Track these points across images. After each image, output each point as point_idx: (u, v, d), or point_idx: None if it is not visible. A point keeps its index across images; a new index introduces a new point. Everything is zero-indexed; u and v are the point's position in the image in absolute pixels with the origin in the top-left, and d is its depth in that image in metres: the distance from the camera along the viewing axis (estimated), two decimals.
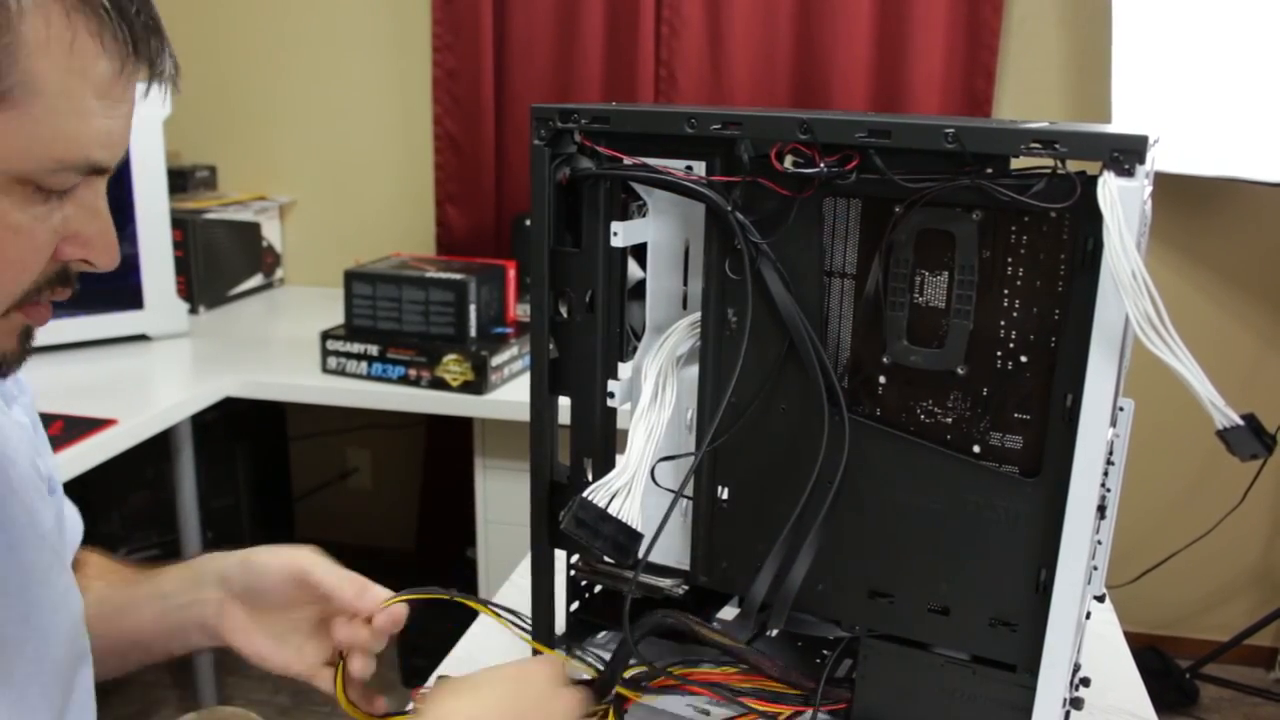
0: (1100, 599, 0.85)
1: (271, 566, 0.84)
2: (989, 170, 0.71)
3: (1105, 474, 0.72)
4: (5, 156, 0.53)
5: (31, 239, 0.57)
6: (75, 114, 0.54)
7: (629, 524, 0.78)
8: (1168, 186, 2.12)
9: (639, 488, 0.80)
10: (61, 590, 0.76)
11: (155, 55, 0.58)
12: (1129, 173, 0.65)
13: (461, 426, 2.19)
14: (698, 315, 0.85)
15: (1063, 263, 0.71)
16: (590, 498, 0.78)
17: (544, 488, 0.92)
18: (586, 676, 0.88)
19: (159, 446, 1.96)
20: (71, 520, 0.87)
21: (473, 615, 1.13)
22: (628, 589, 0.91)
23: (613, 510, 0.78)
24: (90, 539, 0.91)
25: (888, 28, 2.26)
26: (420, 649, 2.27)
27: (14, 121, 0.52)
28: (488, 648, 1.05)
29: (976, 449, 0.76)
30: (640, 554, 0.79)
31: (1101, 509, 0.74)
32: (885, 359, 0.78)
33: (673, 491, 0.89)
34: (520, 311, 2.09)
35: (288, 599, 0.84)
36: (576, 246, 0.86)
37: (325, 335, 1.98)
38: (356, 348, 1.95)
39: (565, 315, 0.87)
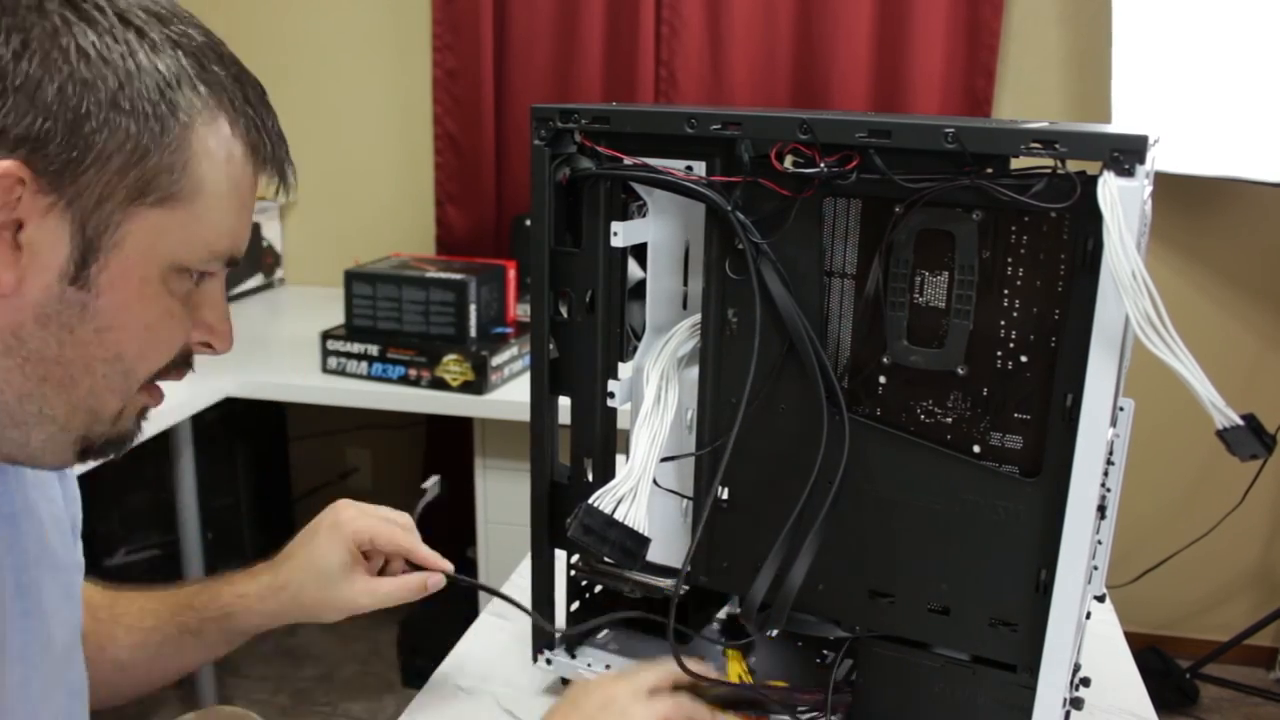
0: (1100, 599, 0.85)
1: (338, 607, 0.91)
2: (989, 170, 0.71)
3: (1105, 474, 0.72)
4: (173, 249, 0.61)
5: (180, 323, 0.65)
6: (228, 212, 0.63)
7: (635, 529, 0.78)
8: (1168, 186, 2.11)
9: (644, 493, 0.80)
10: (56, 658, 0.78)
11: (284, 164, 0.67)
12: (1129, 173, 0.65)
13: (461, 426, 2.19)
14: (698, 317, 0.85)
15: (1063, 263, 0.71)
16: (596, 503, 0.78)
17: (544, 488, 0.92)
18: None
19: (159, 446, 1.96)
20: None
21: (472, 616, 1.13)
22: (629, 589, 0.91)
23: (619, 516, 0.78)
24: (90, 539, 0.90)
25: (888, 28, 2.26)
26: (421, 650, 2.27)
27: (182, 218, 0.61)
28: (489, 646, 1.05)
29: (976, 449, 0.76)
30: (646, 556, 0.79)
31: (1101, 509, 0.74)
32: (885, 359, 0.78)
33: (674, 492, 0.89)
34: (520, 311, 2.09)
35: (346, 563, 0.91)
36: (576, 246, 0.86)
37: (325, 335, 1.98)
38: (356, 348, 1.95)
39: (565, 315, 0.87)
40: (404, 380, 1.93)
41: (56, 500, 0.79)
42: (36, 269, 0.58)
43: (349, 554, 0.90)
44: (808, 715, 0.85)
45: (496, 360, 1.92)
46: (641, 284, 0.89)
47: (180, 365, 0.67)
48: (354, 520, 0.91)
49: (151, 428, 1.69)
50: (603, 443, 0.89)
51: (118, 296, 0.60)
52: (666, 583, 0.90)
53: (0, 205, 0.55)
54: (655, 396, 0.84)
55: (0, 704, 0.69)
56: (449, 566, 0.95)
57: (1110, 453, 0.74)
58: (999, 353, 0.74)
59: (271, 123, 0.66)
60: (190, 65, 0.60)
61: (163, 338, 0.64)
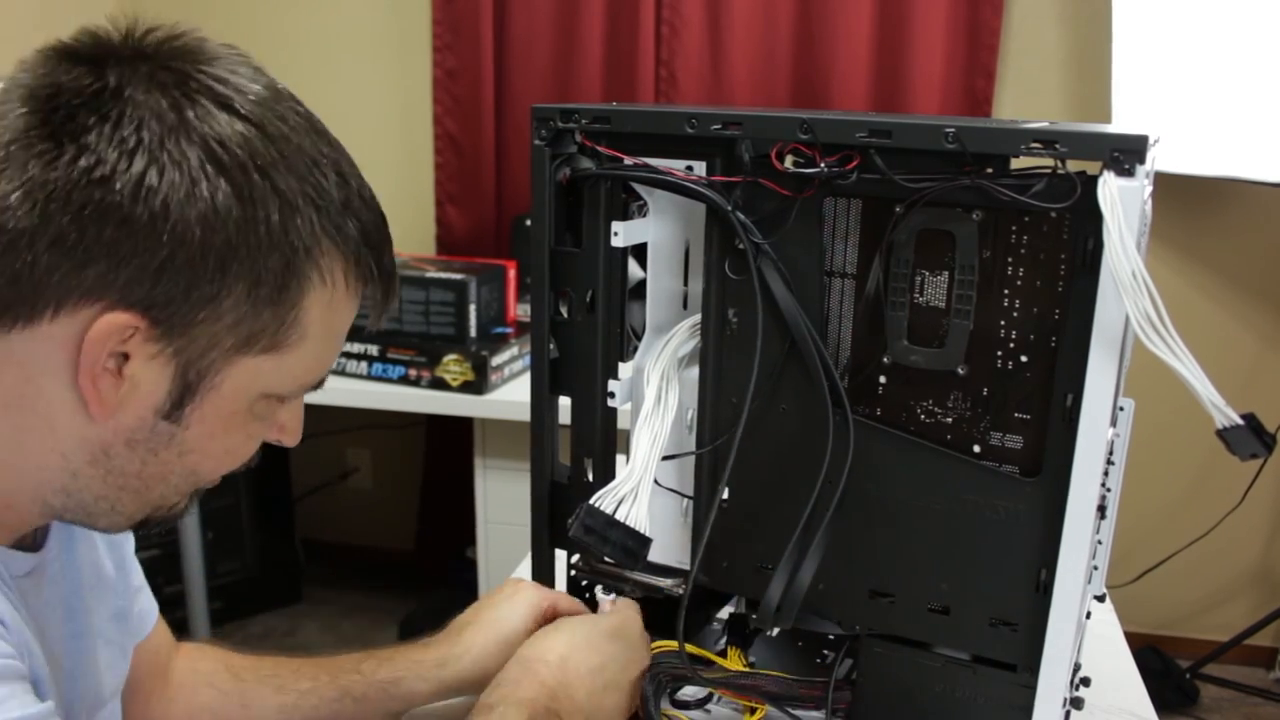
0: (1100, 599, 0.85)
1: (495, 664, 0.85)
2: (989, 170, 0.71)
3: (1105, 474, 0.72)
4: (267, 385, 0.62)
5: (257, 441, 0.67)
6: (325, 351, 0.64)
7: (636, 529, 0.78)
8: (1168, 186, 2.12)
9: (645, 493, 0.80)
10: (129, 639, 0.80)
11: (388, 302, 0.67)
12: (1129, 173, 0.65)
13: (461, 426, 2.19)
14: (698, 317, 0.85)
15: (1063, 263, 0.71)
16: (597, 504, 0.78)
17: (544, 488, 0.92)
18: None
19: None
20: (149, 599, 0.88)
21: None
22: (629, 589, 0.91)
23: (620, 516, 0.78)
24: None
25: (888, 28, 2.26)
26: None
27: (282, 361, 0.62)
28: None
29: (977, 449, 0.76)
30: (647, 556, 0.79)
31: (1101, 509, 0.74)
32: (886, 359, 0.78)
33: (674, 491, 0.89)
34: (520, 311, 2.09)
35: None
36: (577, 246, 0.86)
37: None
38: (356, 348, 1.95)
39: (565, 315, 0.87)
40: (404, 380, 1.93)
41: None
42: (134, 401, 0.59)
43: (532, 620, 0.88)
44: (809, 714, 0.85)
45: (496, 360, 1.92)
46: (642, 284, 0.89)
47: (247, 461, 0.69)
48: (535, 588, 0.91)
49: None
50: (603, 443, 0.89)
51: (206, 428, 0.62)
52: (667, 582, 0.90)
53: (112, 345, 0.56)
54: (656, 397, 0.84)
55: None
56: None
57: (1110, 453, 0.74)
58: (999, 353, 0.74)
59: (387, 260, 0.65)
60: (323, 225, 0.60)
61: (240, 455, 0.66)
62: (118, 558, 0.79)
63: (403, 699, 0.87)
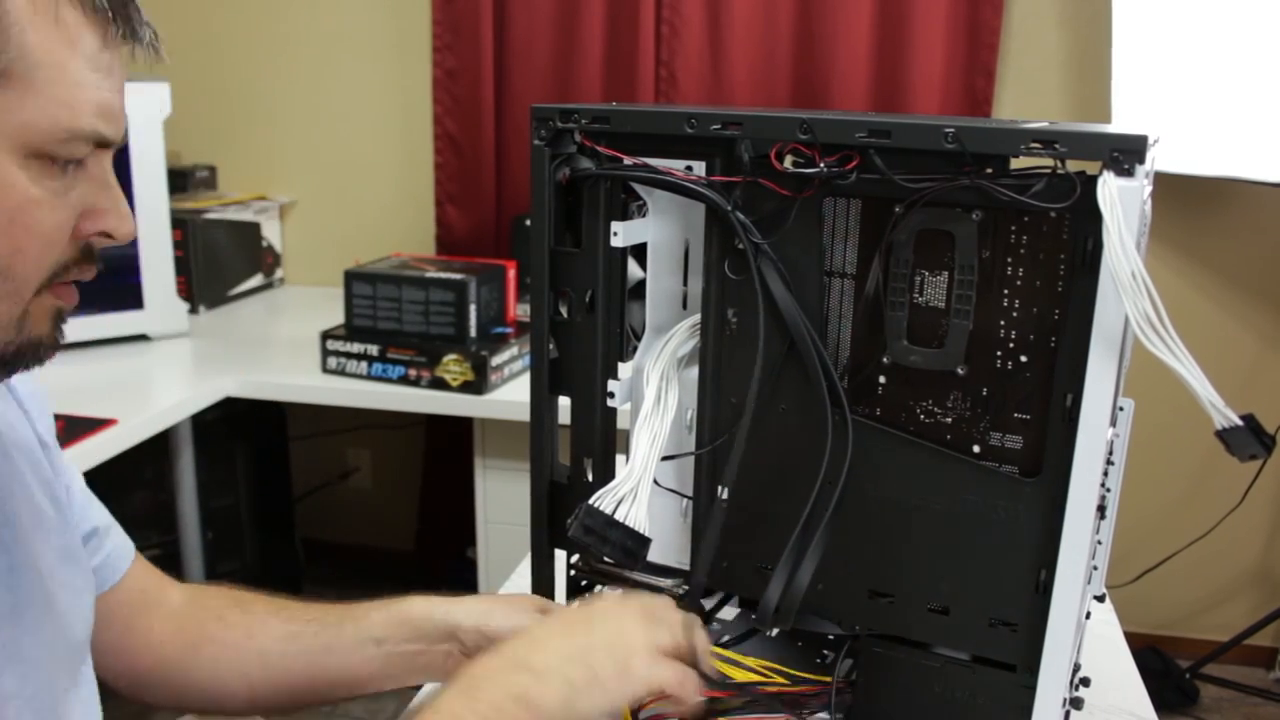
0: (1100, 599, 0.85)
1: (511, 626, 0.83)
2: (989, 170, 0.71)
3: (1105, 474, 0.72)
4: (17, 131, 0.55)
5: (53, 212, 0.59)
6: (73, 84, 0.56)
7: (636, 529, 0.78)
8: (1168, 186, 2.11)
9: (644, 493, 0.80)
10: (57, 614, 0.75)
11: (135, 23, 0.60)
12: (1129, 173, 0.65)
13: (461, 426, 2.19)
14: (698, 317, 0.85)
15: (1062, 263, 0.71)
16: (596, 504, 0.78)
17: (544, 488, 0.92)
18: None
19: (159, 446, 1.96)
20: (118, 546, 0.87)
21: None
22: (629, 589, 0.91)
23: (619, 516, 0.78)
24: None
25: (888, 28, 2.26)
26: None
27: (17, 96, 0.55)
28: None
29: (976, 449, 0.76)
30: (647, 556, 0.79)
31: (1101, 509, 0.74)
32: (885, 359, 0.78)
33: (674, 491, 0.89)
34: (520, 311, 2.09)
35: None
36: (576, 246, 0.86)
37: (325, 335, 1.98)
38: (356, 348, 1.95)
39: (565, 315, 0.87)
40: (404, 380, 1.93)
41: (21, 428, 0.76)
42: None
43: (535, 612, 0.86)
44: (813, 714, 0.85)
45: (496, 360, 1.92)
46: (641, 284, 0.89)
47: (83, 261, 0.62)
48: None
49: (151, 427, 1.71)
50: (603, 443, 0.90)
51: None
52: (667, 582, 0.90)
53: None
54: (655, 397, 0.84)
55: None
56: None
57: (1110, 453, 0.74)
58: (999, 353, 0.74)
59: None
60: None
61: (35, 230, 0.58)
62: (52, 495, 0.77)
63: (395, 619, 0.85)
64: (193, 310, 2.29)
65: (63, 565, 0.76)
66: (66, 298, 0.63)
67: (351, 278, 1.99)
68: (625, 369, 0.89)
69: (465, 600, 0.88)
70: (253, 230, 2.57)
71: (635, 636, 0.72)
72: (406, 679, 0.87)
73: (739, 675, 0.85)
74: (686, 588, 0.89)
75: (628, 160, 0.82)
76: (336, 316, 2.04)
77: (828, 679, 0.85)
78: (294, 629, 0.86)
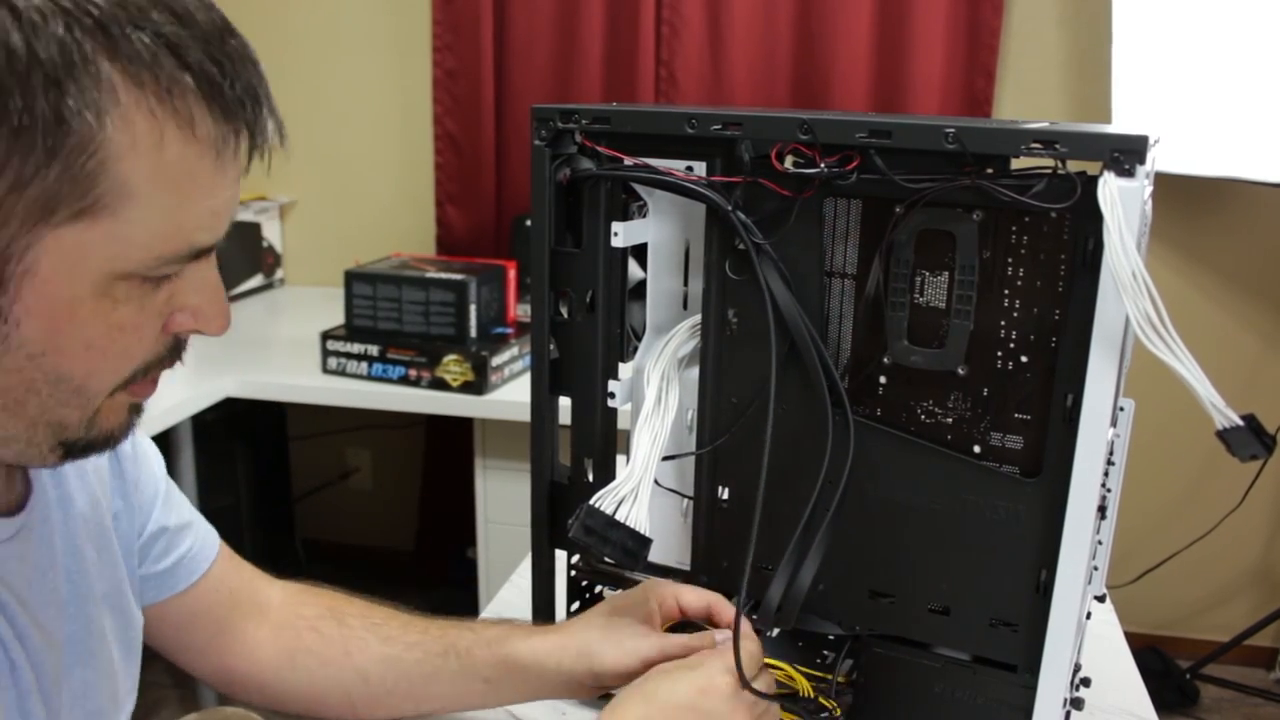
0: (1100, 599, 0.85)
1: (618, 659, 0.80)
2: (989, 170, 0.71)
3: (1105, 474, 0.72)
4: (103, 262, 0.52)
5: (136, 331, 0.56)
6: (172, 208, 0.52)
7: (637, 529, 0.78)
8: (1168, 186, 2.11)
9: (645, 493, 0.80)
10: (104, 642, 0.74)
11: (254, 126, 0.55)
12: (1129, 173, 0.65)
13: (461, 426, 2.19)
14: (698, 317, 0.85)
15: (1063, 263, 0.71)
16: (597, 504, 0.78)
17: (544, 488, 0.92)
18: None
19: (159, 446, 1.95)
20: (201, 539, 0.86)
21: (472, 616, 1.12)
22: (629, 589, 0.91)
23: (620, 516, 0.78)
24: None
25: (888, 28, 2.26)
26: None
27: (108, 228, 0.51)
28: None
29: (977, 449, 0.76)
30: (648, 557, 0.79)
31: (1101, 509, 0.74)
32: (886, 359, 0.78)
33: (675, 491, 0.89)
34: (520, 311, 2.09)
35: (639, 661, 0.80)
36: (577, 246, 0.86)
37: (325, 335, 1.98)
38: (356, 348, 1.95)
39: (565, 315, 0.87)
40: (404, 380, 1.93)
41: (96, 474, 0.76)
42: None
43: (653, 647, 0.80)
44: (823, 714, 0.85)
45: (496, 360, 1.92)
46: (642, 284, 0.89)
47: (168, 358, 0.59)
48: (665, 595, 0.82)
49: (151, 428, 1.71)
50: (603, 443, 0.89)
51: (42, 323, 0.52)
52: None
53: None
54: (656, 397, 0.84)
55: (59, 683, 0.68)
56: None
57: (1110, 453, 0.74)
58: (999, 353, 0.74)
59: (230, 77, 0.53)
60: (90, 42, 0.48)
61: (114, 352, 0.55)
62: (127, 550, 0.77)
63: (503, 663, 0.82)
64: None
65: (112, 589, 0.75)
66: (143, 393, 0.60)
67: (351, 278, 1.99)
68: (626, 369, 0.89)
69: (571, 633, 0.82)
70: (253, 230, 2.57)
71: (714, 692, 0.72)
72: (518, 701, 0.86)
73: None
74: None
75: (628, 160, 0.82)
76: (336, 317, 2.04)
77: (827, 676, 0.85)
78: (393, 653, 0.84)
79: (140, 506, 0.80)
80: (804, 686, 0.83)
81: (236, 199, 0.57)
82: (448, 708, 0.85)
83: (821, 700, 0.83)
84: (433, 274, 1.98)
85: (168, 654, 0.85)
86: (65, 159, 0.48)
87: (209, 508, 2.26)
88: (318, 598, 0.90)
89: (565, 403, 0.90)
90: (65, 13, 0.47)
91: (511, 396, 1.92)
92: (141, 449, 0.82)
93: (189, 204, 0.53)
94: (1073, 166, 0.69)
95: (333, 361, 1.97)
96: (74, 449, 0.59)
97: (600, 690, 0.83)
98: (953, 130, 0.69)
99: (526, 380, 0.91)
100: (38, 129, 0.47)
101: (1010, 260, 0.73)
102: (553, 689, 0.83)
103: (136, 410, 0.61)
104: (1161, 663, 2.40)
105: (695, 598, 0.83)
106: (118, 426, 0.60)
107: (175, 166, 0.51)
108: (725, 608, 0.82)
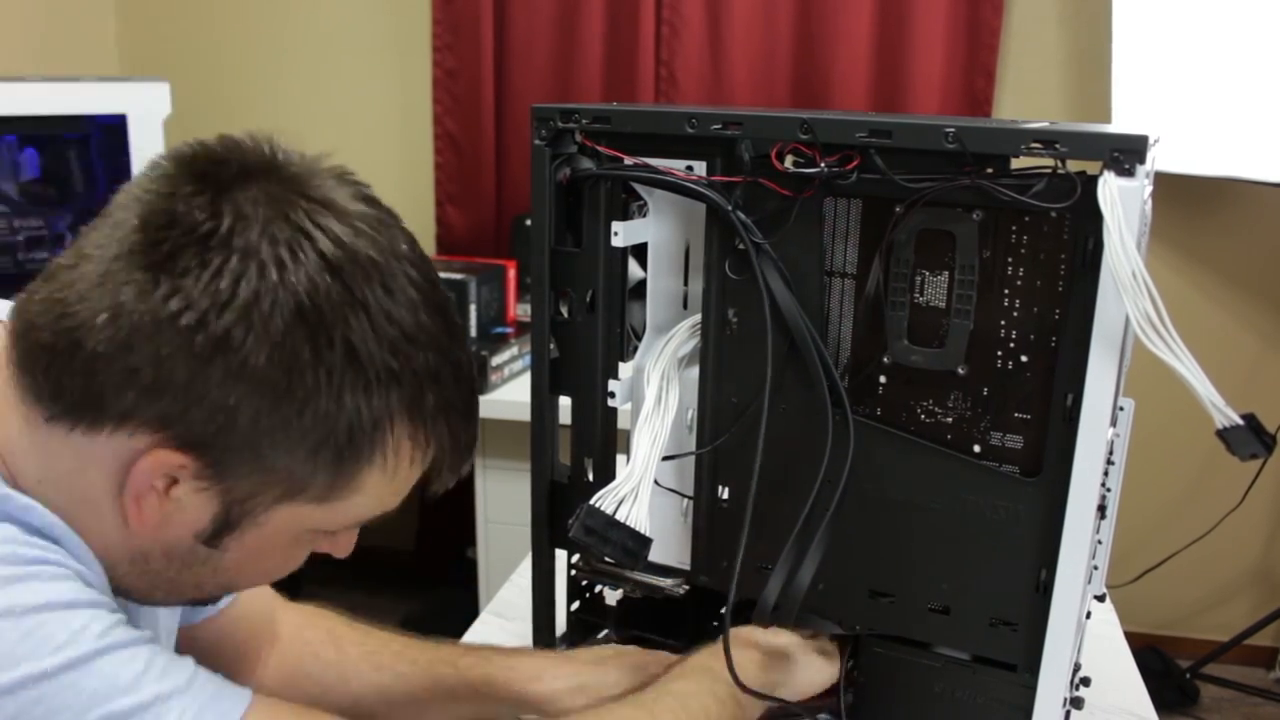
0: (1100, 599, 0.85)
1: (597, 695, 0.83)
2: (989, 170, 0.71)
3: (1105, 474, 0.72)
4: (316, 525, 0.61)
5: (297, 560, 0.66)
6: (380, 505, 0.63)
7: (637, 529, 0.78)
8: (1168, 186, 2.11)
9: (645, 493, 0.80)
10: None
11: (463, 456, 0.65)
12: (1129, 173, 0.65)
13: None
14: (699, 317, 0.85)
15: (1063, 263, 0.71)
16: (597, 504, 0.78)
17: (544, 488, 0.92)
18: None
19: None
20: None
21: (472, 616, 1.13)
22: (630, 589, 0.91)
23: (620, 516, 0.78)
24: None
25: (888, 28, 2.26)
26: None
27: (332, 510, 0.60)
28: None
29: (977, 449, 0.76)
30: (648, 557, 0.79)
31: (1101, 509, 0.74)
32: (886, 359, 0.78)
33: (674, 491, 0.89)
34: (520, 311, 2.09)
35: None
36: (577, 246, 0.86)
37: None
38: None
39: (565, 315, 0.87)
40: None
41: None
42: (177, 521, 0.59)
43: (631, 682, 0.84)
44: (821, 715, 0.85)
45: (496, 360, 1.92)
46: (642, 284, 0.89)
47: None
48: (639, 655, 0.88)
49: None
50: (603, 443, 0.89)
51: (245, 555, 0.61)
52: (667, 582, 0.90)
53: (160, 475, 0.56)
54: (656, 397, 0.84)
55: None
56: None
57: (1110, 453, 0.74)
58: (999, 352, 0.74)
59: (465, 436, 0.64)
60: (400, 403, 0.58)
61: (277, 574, 0.66)
62: None
63: (490, 700, 0.86)
64: None
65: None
66: None
67: None
68: (626, 369, 0.89)
69: (552, 664, 0.86)
70: None
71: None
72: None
73: None
74: (686, 587, 0.89)
75: (628, 160, 0.81)
76: None
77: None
78: (385, 681, 0.88)
79: None
80: None
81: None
82: None
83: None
84: None
85: None
86: (333, 472, 0.58)
87: None
88: (322, 621, 0.93)
89: (565, 403, 0.90)
90: (393, 375, 0.57)
91: (511, 396, 1.92)
92: None
93: (390, 502, 0.64)
94: (1073, 166, 0.69)
95: None
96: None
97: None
98: (953, 130, 0.69)
99: (526, 380, 0.91)
100: (329, 449, 0.57)
101: (1010, 260, 0.73)
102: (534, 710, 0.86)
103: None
104: (1161, 662, 2.40)
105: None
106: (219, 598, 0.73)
107: (396, 484, 0.62)
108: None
